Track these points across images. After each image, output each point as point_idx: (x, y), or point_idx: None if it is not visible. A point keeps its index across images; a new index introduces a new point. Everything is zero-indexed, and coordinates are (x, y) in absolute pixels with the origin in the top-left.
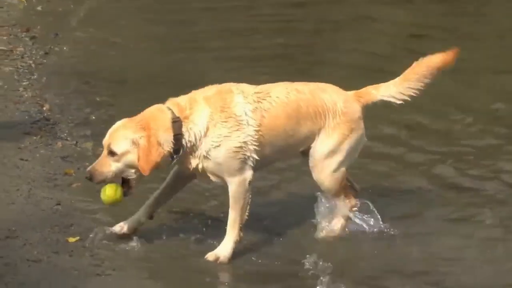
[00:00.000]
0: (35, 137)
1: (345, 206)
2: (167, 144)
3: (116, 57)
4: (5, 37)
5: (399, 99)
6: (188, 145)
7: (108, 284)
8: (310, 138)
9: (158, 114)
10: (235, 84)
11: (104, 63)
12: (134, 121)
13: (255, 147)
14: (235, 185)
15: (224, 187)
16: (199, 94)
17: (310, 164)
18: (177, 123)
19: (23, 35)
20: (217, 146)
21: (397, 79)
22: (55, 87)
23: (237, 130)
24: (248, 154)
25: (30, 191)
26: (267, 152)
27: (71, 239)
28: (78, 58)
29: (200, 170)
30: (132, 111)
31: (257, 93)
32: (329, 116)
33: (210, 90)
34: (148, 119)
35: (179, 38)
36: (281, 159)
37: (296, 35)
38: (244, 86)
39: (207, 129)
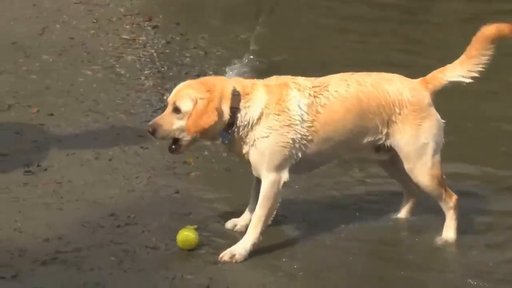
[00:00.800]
0: None
1: (450, 203)
2: (221, 114)
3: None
4: (128, 26)
5: (467, 77)
6: (241, 124)
7: (224, 273)
8: (374, 132)
9: (222, 83)
10: (292, 77)
11: (226, 56)
12: (199, 82)
13: (302, 145)
14: (269, 183)
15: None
16: (261, 81)
17: (405, 167)
18: (237, 96)
19: (145, 25)
20: (265, 137)
21: (461, 58)
22: (176, 77)
23: (288, 125)
24: (293, 152)
25: (149, 179)
26: (322, 148)
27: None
28: (199, 48)
29: (247, 158)
30: None
31: (314, 87)
32: (395, 108)
33: (271, 80)
34: (212, 83)
35: None
36: (340, 156)
37: None
38: (301, 80)
39: (261, 116)
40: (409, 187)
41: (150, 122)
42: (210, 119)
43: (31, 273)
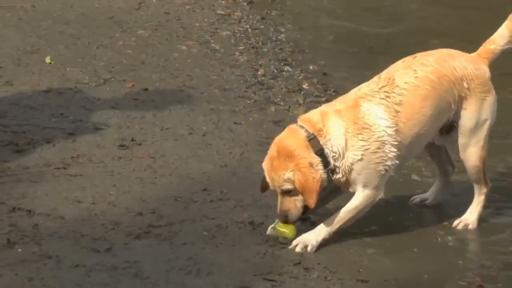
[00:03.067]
0: (248, 101)
1: (484, 189)
2: (316, 164)
3: (334, 28)
4: (223, 1)
5: None
6: (334, 156)
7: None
8: (449, 111)
9: (292, 139)
10: (356, 91)
11: (321, 33)
12: (275, 158)
13: (394, 151)
14: (363, 198)
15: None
16: (329, 108)
17: (459, 141)
18: (313, 139)
19: (241, 0)
20: (359, 159)
21: (505, 23)
22: (270, 53)
23: (375, 140)
24: (389, 164)
25: (242, 154)
26: (411, 145)
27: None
28: (294, 24)
29: (343, 182)
30: (345, 81)
31: (383, 88)
32: (463, 83)
33: (339, 104)
34: (284, 148)
35: None
36: (424, 145)
37: None
38: (366, 89)
39: (346, 141)
40: (444, 168)
41: (278, 213)
42: (316, 180)
43: (124, 247)
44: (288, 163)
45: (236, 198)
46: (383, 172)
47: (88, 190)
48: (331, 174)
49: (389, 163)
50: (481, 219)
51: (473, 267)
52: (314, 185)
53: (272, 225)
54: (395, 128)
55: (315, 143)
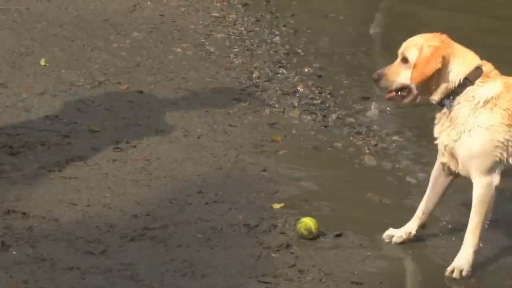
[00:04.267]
0: (243, 104)
1: None
2: (454, 73)
3: (329, 30)
4: (218, 4)
5: None
6: (467, 100)
7: (310, 252)
8: None
9: (465, 49)
10: None
11: (316, 35)
12: (434, 34)
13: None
14: (481, 187)
15: None
16: (503, 77)
17: None
18: (478, 71)
19: (235, 2)
20: (484, 128)
21: None
22: (265, 55)
23: (508, 125)
24: (505, 155)
25: (237, 157)
26: None
27: (276, 206)
28: (289, 27)
29: (452, 151)
30: (340, 84)
31: None
32: None
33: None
34: (451, 41)
35: None
36: None
37: None
38: None
39: (486, 104)
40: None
41: (378, 71)
42: (432, 66)
43: (119, 249)
44: (435, 40)
45: (231, 200)
46: (498, 157)
47: (83, 193)
48: (451, 100)
49: (505, 154)
50: None
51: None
52: (429, 67)
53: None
54: None
55: (474, 73)
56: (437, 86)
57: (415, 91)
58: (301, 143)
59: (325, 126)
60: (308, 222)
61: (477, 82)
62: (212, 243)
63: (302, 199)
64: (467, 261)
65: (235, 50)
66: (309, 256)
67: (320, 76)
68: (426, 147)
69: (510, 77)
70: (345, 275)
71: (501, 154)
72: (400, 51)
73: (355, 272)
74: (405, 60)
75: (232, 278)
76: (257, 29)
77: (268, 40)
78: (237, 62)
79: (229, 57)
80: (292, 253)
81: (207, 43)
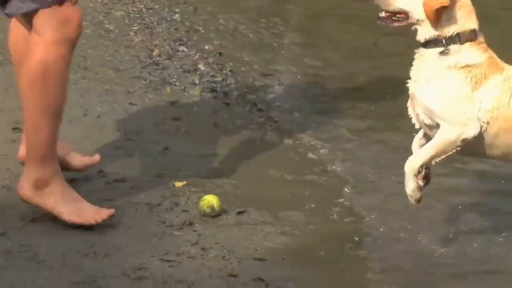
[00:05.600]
0: (144, 82)
1: None
2: (453, 20)
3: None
4: None
5: None
6: (444, 53)
7: (213, 229)
8: None
9: (472, 9)
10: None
11: (216, 12)
12: None
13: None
14: (447, 131)
15: None
16: (490, 51)
17: None
18: (472, 33)
19: None
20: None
21: None
22: (165, 33)
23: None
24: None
25: (138, 135)
26: None
27: (178, 184)
28: (189, 4)
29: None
30: (241, 61)
31: None
32: None
33: (498, 60)
34: None
35: None
36: None
37: None
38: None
39: (463, 67)
40: None
41: None
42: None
43: (19, 230)
44: None
45: (132, 180)
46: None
47: None
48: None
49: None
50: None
51: (370, 241)
52: (439, 4)
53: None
54: None
55: (467, 33)
56: (432, 26)
57: (412, 20)
58: (203, 121)
59: (227, 104)
60: (210, 200)
61: (466, 44)
62: (114, 223)
63: (204, 177)
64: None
65: (135, 28)
66: (212, 233)
67: (221, 54)
68: (327, 123)
69: (497, 58)
70: (248, 251)
71: (467, 110)
72: None
73: (258, 249)
74: None
75: (134, 257)
76: (157, 6)
77: (168, 18)
78: (136, 40)
79: (129, 35)
80: (194, 231)
81: (106, 21)
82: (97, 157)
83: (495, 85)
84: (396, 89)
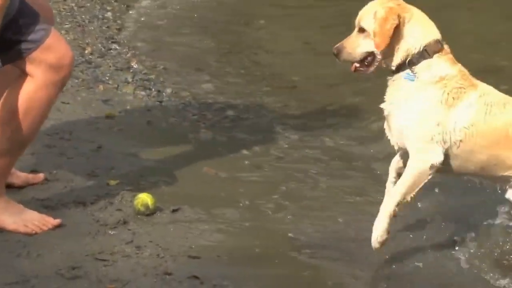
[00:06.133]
0: (76, 80)
1: None
2: (414, 37)
3: (161, 3)
4: None
5: None
6: (416, 71)
7: (148, 228)
8: None
9: (429, 20)
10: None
11: (148, 9)
12: (392, 0)
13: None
14: (415, 161)
15: None
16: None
17: None
18: (438, 44)
19: None
20: (417, 102)
21: None
22: (97, 31)
23: (446, 107)
24: (442, 137)
25: (71, 134)
26: None
27: (112, 182)
28: (120, 2)
29: (388, 118)
30: (174, 57)
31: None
32: None
33: (467, 73)
34: (413, 7)
35: None
36: None
37: None
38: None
39: (438, 82)
40: None
41: (336, 45)
42: (390, 24)
43: None
44: (389, 2)
45: (66, 179)
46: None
47: None
48: (406, 67)
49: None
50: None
51: (305, 239)
52: (386, 28)
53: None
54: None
55: (434, 45)
56: (397, 50)
57: (379, 57)
58: (136, 119)
59: (160, 101)
60: (144, 198)
61: (435, 56)
62: None
63: (138, 175)
64: (376, 231)
65: (66, 26)
66: (147, 232)
67: (153, 51)
68: (260, 120)
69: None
70: (183, 249)
71: (437, 133)
72: (356, 22)
73: (193, 247)
74: (362, 30)
75: (68, 256)
76: (88, 4)
77: (100, 16)
78: (68, 38)
79: (60, 33)
80: (129, 229)
81: None
82: (41, 176)
83: (472, 101)
84: (325, 88)
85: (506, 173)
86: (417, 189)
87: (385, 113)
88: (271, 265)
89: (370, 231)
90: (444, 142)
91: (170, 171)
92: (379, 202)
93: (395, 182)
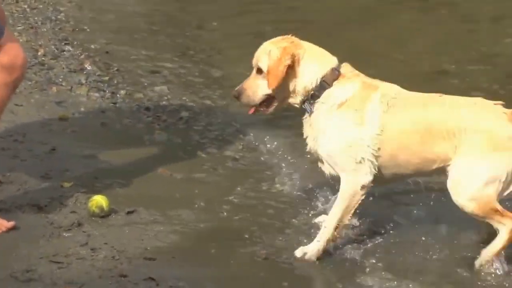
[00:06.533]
0: (29, 82)
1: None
2: (310, 73)
3: (114, 5)
4: None
5: None
6: (319, 104)
7: (102, 229)
8: None
9: (322, 51)
10: (387, 84)
11: (101, 11)
12: (285, 38)
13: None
14: (345, 183)
15: None
16: (361, 76)
17: None
18: (334, 71)
19: None
20: (332, 131)
21: None
22: (50, 32)
23: (358, 124)
24: (363, 154)
25: (25, 137)
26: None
27: (66, 184)
28: (73, 3)
29: (317, 154)
30: (127, 59)
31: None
32: None
33: (371, 80)
34: (301, 43)
35: None
36: None
37: None
38: (390, 88)
39: (340, 105)
40: None
41: (236, 88)
42: (282, 65)
43: None
44: (283, 42)
45: (19, 181)
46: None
47: None
48: (311, 103)
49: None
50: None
51: (260, 240)
52: (279, 69)
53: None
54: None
55: (331, 75)
56: (295, 88)
57: (279, 98)
58: (90, 121)
59: (114, 103)
60: (99, 200)
61: (335, 83)
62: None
63: (92, 177)
64: (314, 247)
65: (19, 28)
66: (101, 234)
67: (107, 52)
68: (215, 122)
69: (368, 77)
70: (138, 251)
71: (357, 153)
72: (253, 62)
73: (148, 248)
74: (260, 70)
75: (22, 259)
76: (41, 6)
77: (53, 17)
78: (21, 40)
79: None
80: (84, 231)
81: None
82: None
83: (374, 105)
84: None
85: (436, 166)
86: (352, 211)
87: (311, 150)
88: (226, 265)
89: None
90: (370, 159)
91: (125, 173)
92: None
93: None
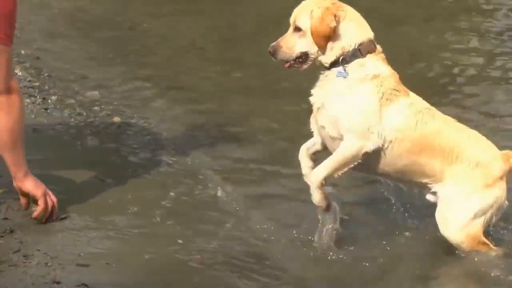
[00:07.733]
0: None
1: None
2: (348, 36)
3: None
4: None
5: None
6: (349, 69)
7: (34, 236)
8: None
9: (362, 19)
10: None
11: (35, 13)
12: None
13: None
14: (349, 143)
15: None
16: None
17: None
18: (371, 43)
19: None
20: (355, 96)
21: None
22: None
23: (382, 105)
24: (377, 129)
25: None
26: None
27: None
28: None
29: (321, 110)
30: (58, 65)
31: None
32: None
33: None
34: (347, 6)
35: None
36: None
37: None
38: (421, 102)
39: (372, 79)
40: None
41: (272, 44)
42: (326, 24)
43: None
44: (325, 2)
45: None
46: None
47: None
48: (341, 62)
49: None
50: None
51: (195, 245)
52: (322, 28)
53: None
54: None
55: (367, 45)
56: (333, 46)
57: (312, 57)
58: None
59: (45, 109)
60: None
61: (369, 56)
62: None
63: None
64: (314, 176)
65: None
66: (34, 240)
67: (38, 58)
68: (148, 126)
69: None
70: (71, 257)
71: (371, 124)
72: (291, 20)
73: (81, 254)
74: (297, 29)
75: None
76: None
77: None
78: None
79: None
80: (16, 238)
81: None
82: None
83: (404, 107)
84: (212, 87)
85: (423, 180)
86: (341, 170)
87: (317, 105)
88: (160, 271)
89: (267, 240)
90: (379, 136)
91: (57, 179)
92: (279, 203)
93: (312, 167)
